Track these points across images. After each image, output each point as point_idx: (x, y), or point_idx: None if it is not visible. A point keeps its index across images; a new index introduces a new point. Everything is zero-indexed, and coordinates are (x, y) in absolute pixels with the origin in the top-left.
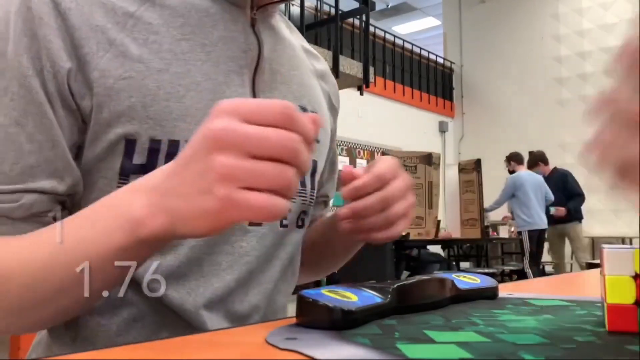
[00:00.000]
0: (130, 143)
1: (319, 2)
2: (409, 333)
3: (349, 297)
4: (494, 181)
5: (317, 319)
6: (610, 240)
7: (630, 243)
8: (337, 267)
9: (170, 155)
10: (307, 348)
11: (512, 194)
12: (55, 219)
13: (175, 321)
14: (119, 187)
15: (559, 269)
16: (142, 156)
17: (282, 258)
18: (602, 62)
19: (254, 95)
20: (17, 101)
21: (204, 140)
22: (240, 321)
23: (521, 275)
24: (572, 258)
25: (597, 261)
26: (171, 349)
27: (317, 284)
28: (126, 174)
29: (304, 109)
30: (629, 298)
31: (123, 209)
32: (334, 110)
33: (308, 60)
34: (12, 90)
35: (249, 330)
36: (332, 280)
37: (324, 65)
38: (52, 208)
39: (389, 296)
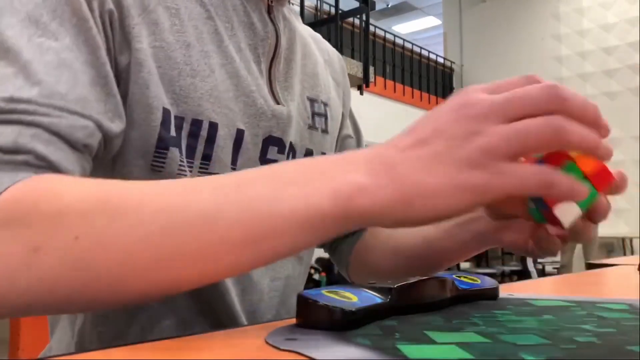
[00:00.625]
0: (166, 112)
1: (319, 2)
2: (410, 333)
3: (349, 298)
4: None
5: (317, 319)
6: (611, 240)
7: (631, 243)
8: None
9: (192, 134)
10: (307, 349)
11: None
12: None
13: (196, 319)
14: (154, 161)
15: (566, 269)
16: (174, 130)
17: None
18: (602, 62)
19: (270, 84)
20: (69, 28)
21: (459, 113)
22: (258, 319)
23: (521, 275)
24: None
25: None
26: (171, 349)
27: (317, 284)
28: (164, 146)
29: (315, 100)
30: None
31: (333, 174)
32: (345, 89)
33: (317, 50)
34: (63, 15)
35: (249, 331)
36: (332, 281)
37: (325, 45)
38: (99, 152)
39: (389, 296)
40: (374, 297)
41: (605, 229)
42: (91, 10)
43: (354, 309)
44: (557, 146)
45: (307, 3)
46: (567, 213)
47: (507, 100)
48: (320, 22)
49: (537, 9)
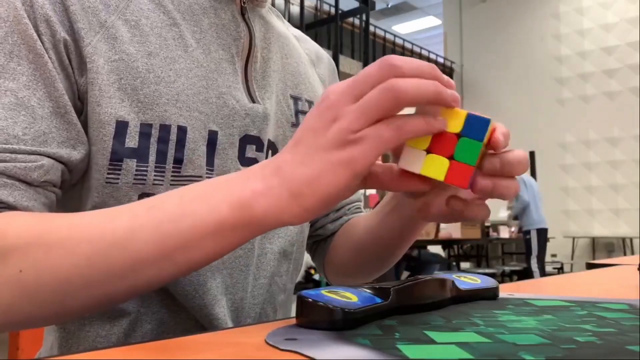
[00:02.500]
0: (121, 125)
1: (319, 2)
2: (410, 334)
3: (349, 298)
4: None
5: (317, 319)
6: (611, 240)
7: (631, 243)
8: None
9: (162, 139)
10: (307, 348)
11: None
12: (61, 191)
13: (177, 323)
14: (109, 174)
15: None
16: (133, 140)
17: (274, 251)
18: (602, 62)
19: (247, 84)
20: (26, 66)
21: (320, 107)
22: (240, 318)
23: (522, 275)
24: (572, 258)
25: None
26: (171, 349)
27: (317, 284)
28: (118, 159)
29: (299, 98)
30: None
31: (233, 185)
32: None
33: (301, 49)
34: (20, 54)
35: (249, 331)
36: None
37: (312, 45)
38: (64, 178)
39: (389, 297)
40: (374, 297)
41: (605, 229)
42: (43, 43)
43: (354, 309)
44: (398, 104)
45: (307, 3)
46: (411, 159)
47: (351, 84)
48: (320, 22)
49: (537, 9)
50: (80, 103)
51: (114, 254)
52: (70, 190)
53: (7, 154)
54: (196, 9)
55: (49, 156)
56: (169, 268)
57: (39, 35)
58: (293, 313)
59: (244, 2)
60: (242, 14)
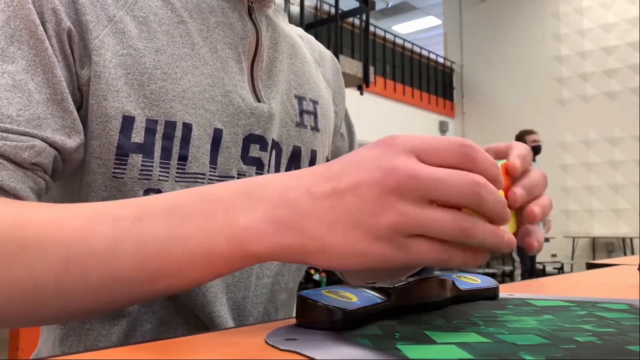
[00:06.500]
0: (127, 120)
1: (319, 2)
2: (410, 334)
3: (349, 298)
4: None
5: (317, 319)
6: (611, 240)
7: (631, 243)
8: None
9: (167, 136)
10: (306, 349)
11: None
12: (52, 180)
13: (178, 323)
14: (115, 169)
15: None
16: (139, 135)
17: None
18: (602, 62)
19: (252, 83)
20: (26, 50)
21: (382, 177)
22: (242, 317)
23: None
24: (572, 258)
25: (597, 261)
26: (171, 349)
27: (317, 284)
28: (124, 153)
29: (303, 98)
30: None
31: (233, 214)
32: (337, 88)
33: (306, 49)
34: (21, 39)
35: (249, 331)
36: (332, 281)
37: (315, 45)
38: (56, 167)
39: (390, 297)
40: (374, 298)
41: (605, 229)
42: (47, 30)
43: (354, 309)
44: (461, 240)
45: (307, 3)
46: None
47: (427, 183)
48: (320, 22)
49: (537, 9)
50: (80, 95)
51: (91, 266)
52: (70, 185)
53: None
54: (204, 7)
55: (42, 139)
56: (150, 290)
57: (42, 22)
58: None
59: (251, 2)
60: (249, 14)
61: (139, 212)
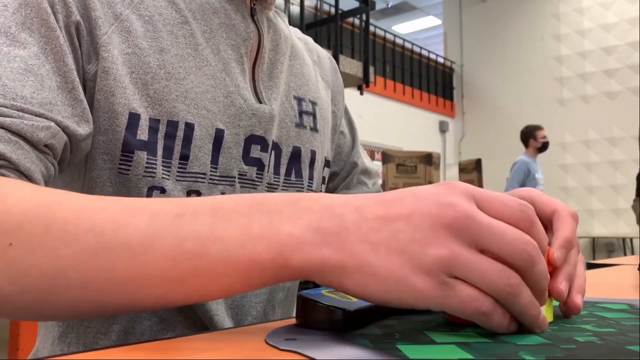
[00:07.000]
0: (134, 117)
1: (319, 2)
2: (410, 334)
3: (349, 298)
4: (495, 181)
5: (317, 319)
6: (611, 240)
7: (631, 243)
8: None
9: (169, 135)
10: (306, 349)
11: (522, 182)
12: (59, 169)
13: (177, 321)
14: (121, 164)
15: None
16: (144, 133)
17: None
18: (602, 62)
19: (254, 84)
20: (37, 38)
21: (439, 211)
22: (240, 316)
23: None
24: None
25: (597, 261)
26: (171, 349)
27: (317, 284)
28: (129, 150)
29: (302, 99)
30: None
31: (278, 221)
32: (335, 88)
33: (305, 51)
34: (32, 26)
35: (249, 331)
36: None
37: (313, 46)
38: (64, 155)
39: None
40: None
41: (605, 229)
42: (57, 20)
43: (354, 309)
44: (504, 297)
45: (307, 3)
46: None
47: (484, 227)
48: (320, 22)
49: (537, 9)
50: (84, 88)
51: (122, 258)
52: (75, 181)
53: (14, 111)
54: (207, 8)
55: (56, 122)
56: (178, 293)
57: (54, 13)
58: (294, 312)
59: (253, 4)
60: (252, 15)
61: (179, 210)
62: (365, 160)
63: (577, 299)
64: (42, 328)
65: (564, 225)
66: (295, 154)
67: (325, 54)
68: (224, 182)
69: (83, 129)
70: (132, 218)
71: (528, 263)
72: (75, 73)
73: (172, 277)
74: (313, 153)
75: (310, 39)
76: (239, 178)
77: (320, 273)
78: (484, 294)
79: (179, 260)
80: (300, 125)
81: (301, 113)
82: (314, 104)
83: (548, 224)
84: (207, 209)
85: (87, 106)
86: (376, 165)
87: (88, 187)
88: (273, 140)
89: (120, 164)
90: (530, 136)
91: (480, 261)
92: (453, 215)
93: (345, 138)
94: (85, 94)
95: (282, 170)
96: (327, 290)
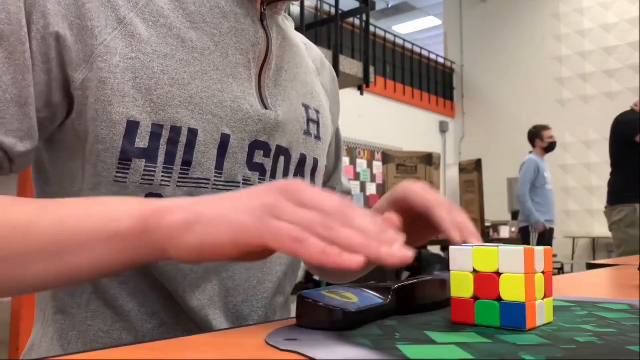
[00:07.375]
0: (132, 125)
1: (319, 2)
2: (409, 334)
3: (349, 298)
4: (495, 181)
5: (317, 319)
6: (611, 240)
7: None
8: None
9: (171, 140)
10: (306, 349)
11: (532, 180)
12: None
13: (177, 323)
14: (117, 173)
15: None
16: (143, 140)
17: (282, 258)
18: (602, 62)
19: (259, 90)
20: (5, 47)
21: (277, 183)
22: (240, 320)
23: None
24: (572, 258)
25: (597, 261)
26: (171, 349)
27: (317, 284)
28: (127, 158)
29: (308, 107)
30: (468, 292)
31: (148, 201)
32: (332, 97)
33: (308, 57)
34: (3, 35)
35: (249, 331)
36: None
37: (316, 52)
38: (4, 166)
39: (389, 297)
40: (374, 297)
41: (605, 229)
42: (30, 32)
43: (354, 309)
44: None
45: (307, 3)
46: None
47: (307, 195)
48: (320, 22)
49: (537, 9)
50: (68, 98)
51: (8, 236)
52: (74, 189)
53: None
54: (217, 12)
55: None
56: (56, 266)
57: (28, 24)
58: (291, 314)
59: (263, 8)
60: (261, 20)
61: (63, 200)
62: (344, 182)
63: (472, 240)
64: (38, 322)
65: (440, 212)
66: (301, 161)
67: (326, 62)
68: (228, 188)
69: (24, 146)
70: (22, 206)
71: (341, 214)
72: (31, 90)
73: (50, 251)
74: (315, 161)
75: (313, 45)
76: (243, 183)
77: (170, 234)
78: (297, 226)
79: (55, 236)
80: (307, 132)
81: (308, 120)
82: (317, 112)
83: (424, 215)
84: (87, 200)
85: (35, 124)
86: (376, 167)
87: (85, 194)
88: (282, 146)
89: (116, 172)
90: (536, 136)
91: (297, 208)
92: (285, 183)
93: (330, 158)
94: (69, 103)
95: (290, 176)
96: (327, 290)
